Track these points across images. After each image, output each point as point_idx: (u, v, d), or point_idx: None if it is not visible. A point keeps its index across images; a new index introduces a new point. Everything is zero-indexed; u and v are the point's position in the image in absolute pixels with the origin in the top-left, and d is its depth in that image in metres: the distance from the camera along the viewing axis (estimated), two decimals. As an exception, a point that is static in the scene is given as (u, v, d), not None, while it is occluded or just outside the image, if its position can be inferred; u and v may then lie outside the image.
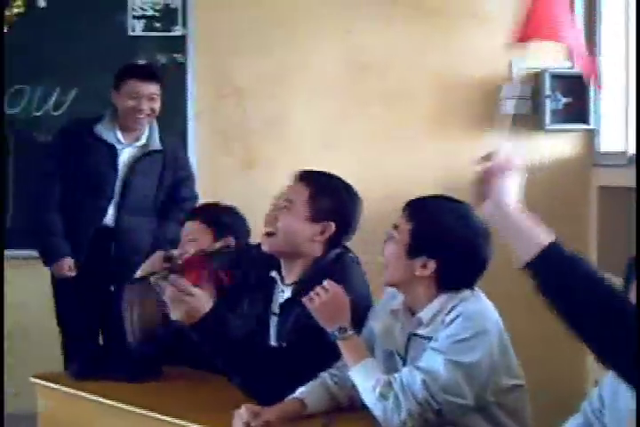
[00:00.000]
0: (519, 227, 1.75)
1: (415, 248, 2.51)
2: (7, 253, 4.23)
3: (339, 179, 3.00)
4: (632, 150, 4.78)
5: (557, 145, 5.11)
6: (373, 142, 5.09)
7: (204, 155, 5.00)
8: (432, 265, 2.50)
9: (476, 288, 2.57)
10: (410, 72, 5.08)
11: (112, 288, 4.33)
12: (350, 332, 2.57)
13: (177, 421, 2.58)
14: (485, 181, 1.76)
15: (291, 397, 2.57)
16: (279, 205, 2.88)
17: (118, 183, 4.30)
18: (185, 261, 2.93)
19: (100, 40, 4.83)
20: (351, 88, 5.06)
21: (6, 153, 4.75)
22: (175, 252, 3.23)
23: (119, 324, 3.66)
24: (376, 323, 2.66)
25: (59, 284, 4.34)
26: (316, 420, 2.50)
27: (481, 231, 2.51)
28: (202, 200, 4.74)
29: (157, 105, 4.29)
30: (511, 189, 1.78)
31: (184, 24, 4.93)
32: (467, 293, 2.52)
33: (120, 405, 2.76)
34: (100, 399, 2.82)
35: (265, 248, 2.88)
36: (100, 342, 4.35)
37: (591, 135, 5.08)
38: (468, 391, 2.38)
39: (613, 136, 5.02)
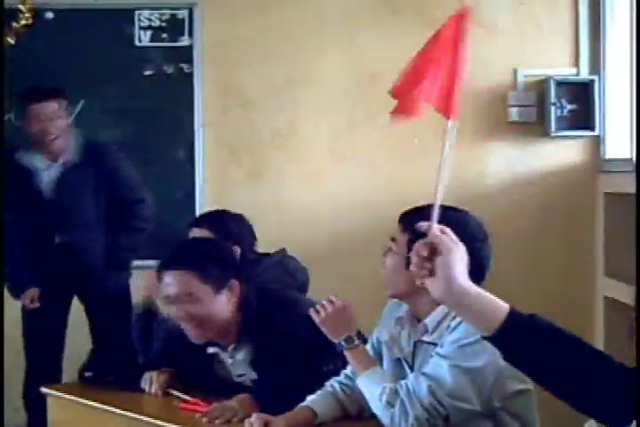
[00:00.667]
0: (473, 303, 1.69)
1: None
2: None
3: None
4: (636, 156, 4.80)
5: (563, 152, 5.11)
6: (381, 153, 5.10)
7: (212, 166, 5.01)
8: None
9: None
10: (416, 81, 5.09)
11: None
12: (357, 342, 2.59)
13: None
14: (428, 257, 1.68)
15: (300, 405, 2.59)
16: None
17: (54, 204, 4.28)
18: None
19: (107, 51, 4.85)
20: (358, 99, 5.08)
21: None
22: None
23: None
24: (383, 332, 2.68)
25: (24, 311, 4.35)
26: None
27: (479, 237, 2.52)
28: (206, 210, 4.77)
29: (62, 122, 4.25)
30: (458, 263, 1.69)
31: (190, 34, 4.95)
32: None
33: (130, 414, 2.78)
34: (110, 409, 2.84)
35: None
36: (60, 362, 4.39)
37: (597, 142, 5.09)
38: (475, 396, 2.39)
39: (619, 143, 5.03)
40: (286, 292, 3.19)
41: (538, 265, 5.08)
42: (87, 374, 3.08)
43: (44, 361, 4.34)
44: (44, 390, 3.09)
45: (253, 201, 4.93)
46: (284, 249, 3.54)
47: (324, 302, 2.63)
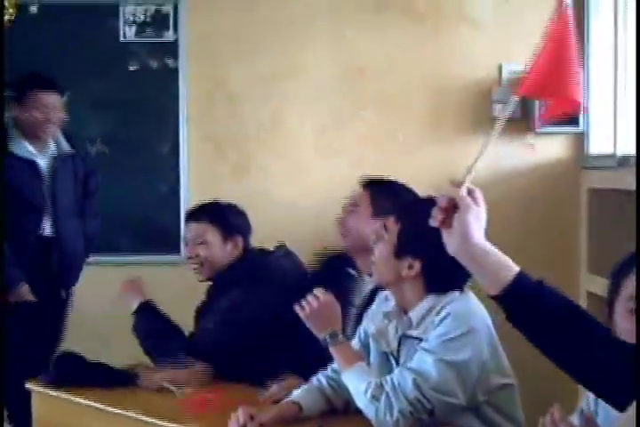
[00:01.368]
0: (485, 261, 1.73)
1: (401, 249, 2.54)
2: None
3: None
4: (621, 152, 4.82)
5: (547, 148, 5.13)
6: (367, 147, 5.11)
7: (197, 160, 5.01)
8: (417, 265, 2.53)
9: (466, 288, 2.60)
10: (402, 76, 5.10)
11: (63, 294, 4.40)
12: (341, 337, 2.60)
13: (172, 424, 2.61)
14: (449, 210, 1.73)
15: (286, 400, 2.60)
16: None
17: (46, 194, 4.28)
18: None
19: (91, 45, 4.84)
20: (344, 93, 5.08)
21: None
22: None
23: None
24: (370, 325, 2.69)
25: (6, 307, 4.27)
26: (311, 423, 2.53)
27: None
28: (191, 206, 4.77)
29: (62, 114, 4.25)
30: (475, 221, 1.73)
31: (175, 29, 4.94)
32: (455, 293, 2.55)
33: (114, 410, 2.79)
34: (95, 404, 2.85)
35: None
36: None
37: (580, 138, 5.11)
38: (460, 390, 2.41)
39: (602, 138, 5.05)
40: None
41: (520, 260, 5.07)
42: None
43: (33, 357, 4.30)
44: (28, 386, 3.08)
45: (238, 195, 4.88)
46: (284, 244, 3.53)
47: (309, 298, 2.64)
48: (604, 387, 1.67)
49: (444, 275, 2.50)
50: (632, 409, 1.55)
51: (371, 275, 2.82)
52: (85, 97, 4.81)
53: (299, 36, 5.05)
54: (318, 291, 2.67)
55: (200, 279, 3.44)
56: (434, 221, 1.72)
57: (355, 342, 2.74)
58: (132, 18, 4.90)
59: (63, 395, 2.95)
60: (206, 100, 5.04)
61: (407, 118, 5.13)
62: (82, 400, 2.89)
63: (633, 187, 4.54)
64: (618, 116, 4.91)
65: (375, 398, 2.43)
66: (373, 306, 2.76)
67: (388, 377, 2.46)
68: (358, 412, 2.52)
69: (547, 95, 1.84)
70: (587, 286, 4.89)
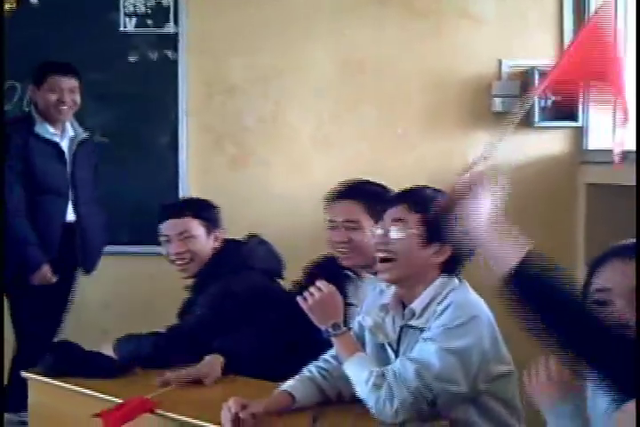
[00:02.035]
0: (493, 241, 1.78)
1: (429, 237, 2.55)
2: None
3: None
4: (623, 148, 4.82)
5: (546, 142, 5.13)
6: (366, 141, 5.11)
7: (195, 153, 5.02)
8: (447, 250, 2.56)
9: (463, 280, 2.62)
10: (402, 71, 5.10)
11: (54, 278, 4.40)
12: (343, 328, 2.62)
13: (170, 414, 2.62)
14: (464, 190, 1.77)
15: (279, 390, 2.61)
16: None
17: (68, 178, 4.38)
18: None
19: (91, 37, 4.84)
20: (344, 87, 5.09)
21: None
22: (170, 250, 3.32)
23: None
24: (366, 318, 2.71)
25: (20, 288, 4.30)
26: (304, 413, 2.54)
27: None
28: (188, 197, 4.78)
29: (78, 98, 4.41)
30: (486, 203, 1.79)
31: (176, 21, 4.94)
32: (455, 283, 2.58)
33: (109, 398, 2.80)
34: (90, 393, 2.86)
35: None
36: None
37: (579, 133, 5.12)
38: (462, 378, 2.43)
39: (601, 133, 5.05)
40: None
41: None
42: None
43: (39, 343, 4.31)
44: (24, 374, 3.09)
45: (237, 188, 4.94)
46: (256, 235, 3.54)
47: (311, 289, 2.66)
48: (606, 372, 1.69)
49: (463, 256, 2.57)
50: (630, 406, 1.57)
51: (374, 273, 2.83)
52: (85, 88, 4.80)
53: (299, 31, 5.05)
54: (321, 283, 2.68)
55: (187, 275, 3.45)
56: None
57: (352, 336, 2.74)
58: (132, 9, 4.90)
59: (59, 383, 2.95)
60: (206, 93, 5.05)
61: (407, 113, 5.14)
62: (78, 388, 2.90)
63: (631, 182, 4.55)
64: (616, 111, 4.91)
65: (376, 387, 2.44)
66: (367, 300, 2.77)
67: (389, 367, 2.48)
68: (353, 401, 2.54)
69: (587, 76, 1.88)
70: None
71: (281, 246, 3.61)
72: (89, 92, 4.80)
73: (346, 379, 2.57)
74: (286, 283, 3.41)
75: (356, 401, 2.53)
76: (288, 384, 2.63)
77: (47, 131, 4.35)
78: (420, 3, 5.08)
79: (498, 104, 5.06)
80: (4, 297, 4.30)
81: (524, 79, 5.07)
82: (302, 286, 2.93)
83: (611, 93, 1.90)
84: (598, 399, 1.91)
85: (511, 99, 5.06)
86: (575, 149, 5.13)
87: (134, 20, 4.90)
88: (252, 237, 3.49)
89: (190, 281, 3.47)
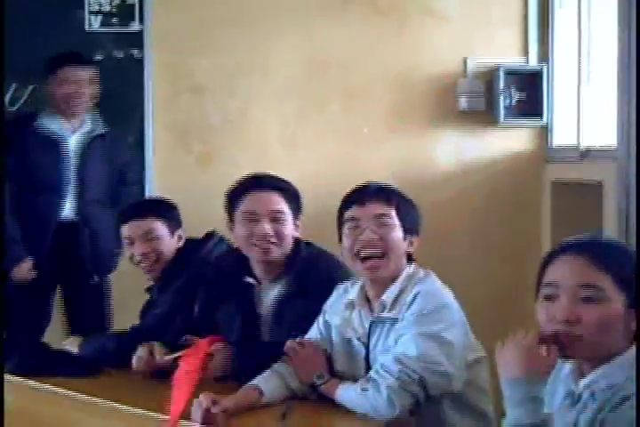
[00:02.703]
0: None
1: (408, 229, 2.65)
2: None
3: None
4: (584, 145, 4.87)
5: (511, 140, 5.18)
6: (332, 139, 5.13)
7: (161, 151, 5.00)
8: (415, 240, 2.68)
9: (429, 270, 2.67)
10: (367, 70, 5.12)
11: (95, 280, 4.36)
12: (327, 376, 2.63)
13: (145, 412, 2.61)
14: None
15: (247, 385, 2.61)
16: None
17: (73, 175, 4.29)
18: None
19: (56, 35, 4.80)
20: (310, 86, 5.09)
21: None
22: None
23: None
24: (332, 316, 2.74)
25: (10, 283, 4.24)
26: (273, 408, 2.54)
27: None
28: (154, 196, 4.76)
29: (96, 90, 4.34)
30: None
31: (141, 20, 4.92)
32: (421, 273, 2.64)
33: (85, 397, 2.77)
34: (67, 393, 2.83)
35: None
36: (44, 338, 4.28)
37: (544, 130, 5.16)
38: (444, 359, 2.45)
39: (566, 131, 5.10)
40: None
41: (484, 250, 5.13)
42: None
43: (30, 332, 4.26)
44: None
45: (203, 187, 4.92)
46: (214, 232, 3.48)
47: (295, 345, 2.69)
48: None
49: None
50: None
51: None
52: (50, 86, 4.78)
53: (264, 30, 5.05)
54: (303, 341, 2.72)
55: (153, 276, 3.42)
56: None
57: (314, 333, 2.77)
58: (97, 8, 4.87)
59: (33, 384, 2.92)
60: (171, 92, 5.03)
61: (372, 112, 5.15)
62: (52, 388, 2.87)
63: (596, 178, 4.60)
64: (581, 109, 4.96)
65: (365, 389, 2.47)
66: (331, 299, 2.79)
67: (372, 369, 2.51)
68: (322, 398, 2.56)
69: None
70: (549, 278, 4.94)
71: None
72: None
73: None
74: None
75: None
76: (256, 380, 2.63)
77: (51, 126, 4.27)
78: (384, 1, 5.10)
79: (463, 102, 5.09)
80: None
81: (489, 77, 5.10)
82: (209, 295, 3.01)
83: None
84: (557, 392, 1.94)
85: (476, 97, 5.09)
86: (540, 147, 5.17)
87: (99, 18, 4.88)
88: (211, 234, 3.45)
89: (150, 283, 3.46)
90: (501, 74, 5.04)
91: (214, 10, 5.01)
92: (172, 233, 3.42)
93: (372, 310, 2.65)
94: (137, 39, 4.92)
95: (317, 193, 4.94)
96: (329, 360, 2.70)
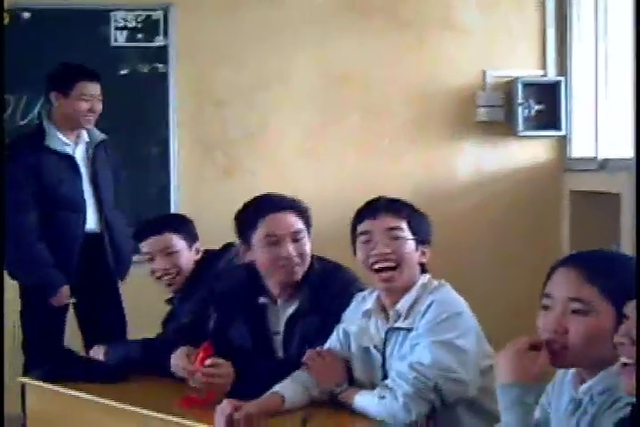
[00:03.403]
0: None
1: (420, 240, 2.73)
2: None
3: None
4: (602, 155, 4.92)
5: (530, 151, 5.24)
6: (352, 152, 5.20)
7: (186, 164, 5.08)
8: (429, 251, 2.76)
9: (442, 280, 2.75)
10: (386, 82, 5.19)
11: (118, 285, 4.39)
12: (345, 385, 2.70)
13: (164, 416, 2.68)
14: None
15: (270, 392, 2.69)
16: None
17: (87, 186, 4.26)
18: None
19: (83, 51, 4.90)
20: (329, 98, 5.17)
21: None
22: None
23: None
24: (350, 325, 2.81)
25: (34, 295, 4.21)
26: (295, 414, 2.61)
27: None
28: (181, 208, 4.84)
29: (101, 105, 4.25)
30: None
31: (165, 35, 5.02)
32: (435, 283, 2.72)
33: (105, 401, 2.85)
34: (86, 396, 2.91)
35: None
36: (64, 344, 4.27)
37: (563, 141, 5.21)
38: (458, 365, 2.53)
39: (584, 142, 5.15)
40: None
41: (504, 260, 5.19)
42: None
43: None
44: (21, 379, 3.15)
45: (226, 198, 4.98)
46: (232, 243, 3.47)
47: (313, 355, 2.76)
48: None
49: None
50: None
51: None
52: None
53: (285, 43, 5.13)
54: (323, 351, 2.79)
55: (174, 290, 3.47)
56: None
57: (334, 342, 2.84)
58: (122, 23, 4.97)
59: (57, 388, 3.00)
60: (195, 105, 5.12)
61: (392, 124, 5.22)
62: (75, 393, 2.95)
63: (614, 189, 4.65)
64: (599, 120, 5.01)
65: (382, 397, 2.55)
66: (350, 308, 2.86)
67: (389, 377, 2.59)
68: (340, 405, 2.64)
69: None
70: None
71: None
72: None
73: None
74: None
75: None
76: (279, 386, 2.71)
77: (59, 141, 4.19)
78: (404, 14, 5.17)
79: (482, 114, 5.15)
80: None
81: (508, 89, 5.17)
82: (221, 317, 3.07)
83: None
84: (563, 398, 2.00)
85: (495, 109, 5.16)
86: (558, 158, 5.22)
87: (125, 33, 4.98)
88: (229, 245, 3.49)
89: (170, 294, 3.52)
90: (520, 86, 5.10)
91: (236, 24, 5.10)
92: (190, 246, 3.48)
93: (387, 319, 2.72)
94: (161, 54, 5.01)
95: (338, 205, 5.02)
96: (348, 368, 2.77)
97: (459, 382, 2.53)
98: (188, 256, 3.46)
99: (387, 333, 2.70)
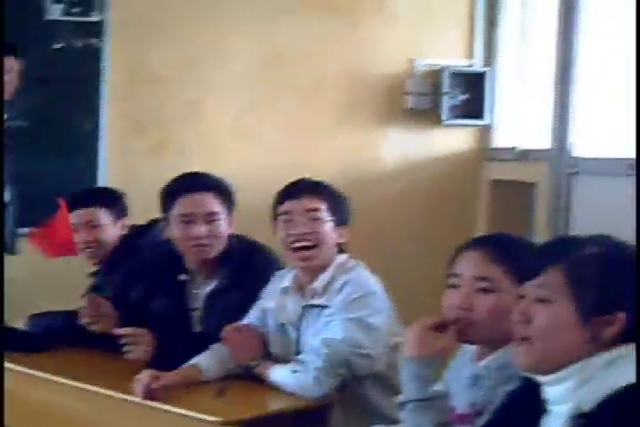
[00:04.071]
0: None
1: (340, 220, 2.85)
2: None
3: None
4: (522, 146, 5.08)
5: (454, 139, 5.37)
6: (283, 133, 5.27)
7: (117, 139, 5.10)
8: (347, 231, 2.88)
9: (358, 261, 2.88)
10: (319, 65, 5.26)
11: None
12: (261, 359, 2.81)
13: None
14: None
15: (187, 364, 2.80)
16: None
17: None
18: None
19: (16, 24, 4.88)
20: (263, 79, 5.22)
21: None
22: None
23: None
24: (269, 302, 2.92)
25: None
26: (212, 386, 2.71)
27: None
28: (110, 182, 4.88)
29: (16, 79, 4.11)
30: None
31: (101, 10, 5.03)
32: (352, 263, 2.85)
33: (79, 385, 2.86)
34: (60, 380, 2.92)
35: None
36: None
37: (485, 131, 5.36)
38: (368, 342, 2.67)
39: (505, 132, 5.31)
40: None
41: (426, 244, 5.32)
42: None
43: None
44: None
45: (156, 175, 5.01)
46: (158, 218, 3.49)
47: (230, 330, 2.85)
48: None
49: None
50: None
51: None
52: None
53: (222, 23, 5.16)
54: (241, 325, 2.88)
55: (94, 262, 3.53)
56: None
57: (253, 318, 2.95)
58: (58, -3, 4.98)
59: (28, 370, 3.00)
60: (128, 80, 5.13)
61: (323, 107, 5.30)
62: (48, 376, 2.95)
63: (532, 179, 4.82)
64: (521, 112, 5.17)
65: (295, 371, 2.67)
66: (269, 285, 2.97)
67: (302, 352, 2.72)
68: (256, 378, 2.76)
69: None
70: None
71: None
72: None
73: None
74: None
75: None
76: (196, 358, 2.82)
77: None
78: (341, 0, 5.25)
79: (410, 101, 5.26)
80: None
81: (436, 78, 5.29)
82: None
83: None
84: (463, 372, 2.14)
85: (423, 97, 5.28)
86: (481, 147, 5.37)
87: (60, 7, 4.98)
88: (155, 221, 3.51)
89: (94, 268, 3.57)
90: (447, 75, 5.23)
91: (173, 2, 5.13)
92: (117, 221, 3.54)
93: (304, 297, 2.84)
94: (97, 29, 5.02)
95: (267, 183, 5.09)
96: (264, 343, 2.88)
97: (368, 357, 2.67)
98: (112, 230, 3.51)
99: (303, 310, 2.82)
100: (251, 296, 2.98)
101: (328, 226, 2.82)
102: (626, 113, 4.30)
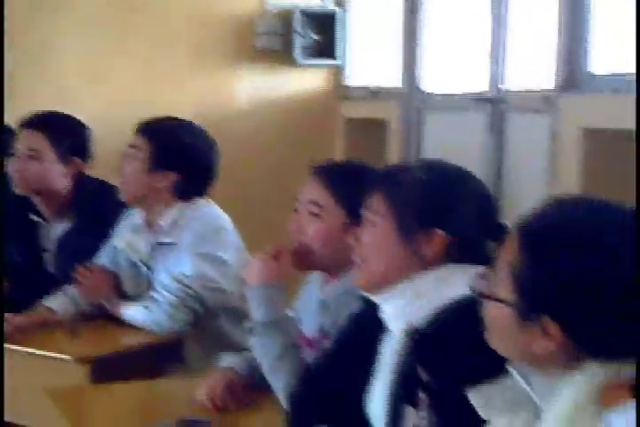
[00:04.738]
0: None
1: (156, 163, 2.79)
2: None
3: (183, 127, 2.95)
4: (375, 85, 5.15)
5: (307, 79, 5.40)
6: (135, 76, 5.20)
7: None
8: (172, 177, 2.80)
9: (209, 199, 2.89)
10: (170, 7, 5.21)
11: None
12: (113, 298, 2.82)
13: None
14: None
15: (39, 304, 2.80)
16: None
17: None
18: None
19: None
20: (114, 24, 5.14)
21: None
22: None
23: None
24: (119, 241, 2.93)
25: None
26: (66, 325, 2.73)
27: (210, 142, 2.85)
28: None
29: None
30: None
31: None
32: (201, 202, 2.86)
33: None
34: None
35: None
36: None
37: (338, 71, 5.41)
38: (218, 276, 2.72)
39: (359, 72, 5.37)
40: None
41: (280, 183, 5.31)
42: None
43: None
44: None
45: (7, 119, 4.94)
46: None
47: (82, 272, 2.84)
48: None
49: (195, 183, 2.84)
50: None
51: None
52: None
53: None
54: (92, 267, 2.87)
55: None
56: None
57: (104, 257, 2.95)
58: None
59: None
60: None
61: (175, 48, 5.25)
62: None
63: (385, 117, 4.91)
64: (373, 51, 5.24)
65: (147, 307, 2.70)
66: (120, 224, 2.97)
67: (154, 289, 2.74)
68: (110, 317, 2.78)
69: None
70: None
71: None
72: None
73: None
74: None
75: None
76: (48, 299, 2.84)
77: None
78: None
79: (260, 41, 5.25)
80: None
81: (288, 17, 5.29)
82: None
83: None
84: (312, 299, 2.21)
85: (274, 37, 5.28)
86: (334, 86, 5.42)
87: None
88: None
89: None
90: (298, 15, 5.23)
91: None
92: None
93: (154, 235, 2.85)
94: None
95: (118, 125, 5.05)
96: (117, 282, 2.89)
97: (220, 291, 2.71)
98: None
99: (152, 247, 2.84)
100: (102, 235, 2.97)
101: (138, 166, 2.83)
102: (472, 49, 4.38)
